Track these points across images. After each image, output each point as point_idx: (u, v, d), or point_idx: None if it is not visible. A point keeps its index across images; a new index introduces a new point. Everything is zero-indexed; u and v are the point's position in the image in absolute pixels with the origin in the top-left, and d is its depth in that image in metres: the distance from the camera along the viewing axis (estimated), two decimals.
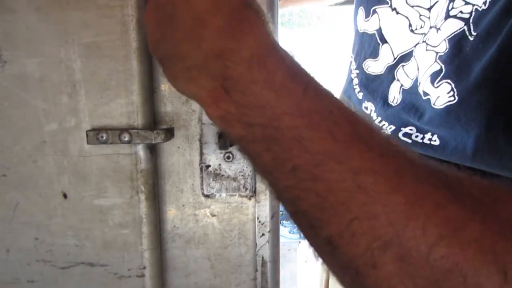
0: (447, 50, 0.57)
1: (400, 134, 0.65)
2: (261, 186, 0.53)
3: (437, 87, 0.57)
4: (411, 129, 0.63)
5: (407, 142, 0.63)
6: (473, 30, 0.53)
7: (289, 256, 1.88)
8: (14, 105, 0.52)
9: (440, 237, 0.23)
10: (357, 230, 0.25)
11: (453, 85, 0.55)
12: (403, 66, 0.66)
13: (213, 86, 0.30)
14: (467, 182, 0.27)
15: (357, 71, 0.77)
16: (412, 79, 0.64)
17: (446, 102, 0.56)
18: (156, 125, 0.53)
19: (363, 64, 0.75)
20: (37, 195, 0.54)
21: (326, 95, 0.29)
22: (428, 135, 0.59)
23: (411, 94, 0.63)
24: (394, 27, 0.67)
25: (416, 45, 0.64)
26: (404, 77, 0.66)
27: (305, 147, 0.27)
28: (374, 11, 0.71)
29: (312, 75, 0.30)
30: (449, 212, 0.24)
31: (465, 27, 0.54)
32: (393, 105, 0.67)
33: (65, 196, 0.54)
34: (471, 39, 0.53)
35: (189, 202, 0.55)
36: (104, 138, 0.50)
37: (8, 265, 0.56)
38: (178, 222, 0.55)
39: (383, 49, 0.70)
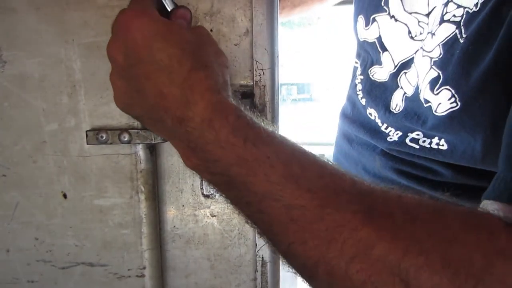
0: (441, 56, 0.56)
1: (407, 140, 0.64)
2: None
3: (437, 94, 0.57)
4: (417, 134, 0.62)
5: (414, 147, 0.63)
6: (464, 33, 0.53)
7: None
8: (14, 105, 0.52)
9: (354, 255, 0.30)
10: (295, 252, 0.33)
11: (453, 91, 0.54)
12: (405, 73, 0.66)
13: (183, 146, 0.38)
14: (393, 203, 0.33)
15: (362, 77, 0.77)
16: (414, 87, 0.63)
17: (449, 109, 0.55)
18: None
19: (368, 70, 0.75)
20: (37, 195, 0.54)
21: (266, 142, 0.35)
22: (436, 140, 0.59)
23: (413, 101, 0.62)
24: (393, 34, 0.67)
25: (416, 51, 0.63)
26: (407, 85, 0.65)
27: (249, 189, 0.34)
28: (374, 20, 0.71)
29: (255, 125, 0.36)
30: (362, 235, 0.30)
31: (457, 31, 0.54)
32: (395, 112, 0.66)
33: (65, 196, 0.54)
34: (461, 41, 0.53)
35: (189, 202, 0.54)
36: (104, 138, 0.50)
37: (8, 265, 0.56)
38: (178, 222, 0.55)
39: (384, 57, 0.70)
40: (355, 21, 0.77)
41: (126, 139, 0.50)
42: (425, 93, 0.59)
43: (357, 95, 0.77)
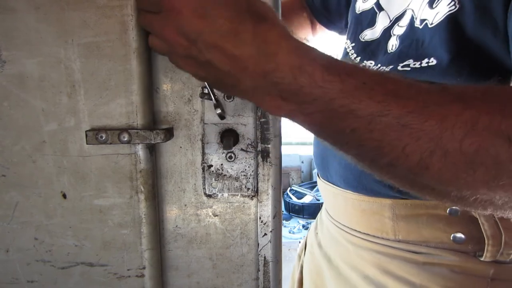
0: None
1: (399, 67, 0.67)
2: (263, 186, 0.53)
3: (436, 6, 0.62)
4: (408, 61, 0.67)
5: (406, 70, 0.66)
6: None
7: (289, 256, 1.88)
8: (14, 105, 0.52)
9: (464, 134, 0.36)
10: (409, 152, 0.38)
11: None
12: (398, 24, 0.71)
13: (271, 98, 0.39)
14: (469, 89, 0.40)
15: (353, 44, 0.82)
16: (406, 25, 0.68)
17: (446, 13, 0.59)
18: (158, 125, 0.53)
19: (359, 36, 0.80)
20: (37, 195, 0.54)
21: (355, 71, 0.38)
22: (426, 60, 0.63)
23: (408, 33, 0.67)
24: None
25: (410, 2, 0.68)
26: (399, 29, 0.70)
27: (356, 115, 0.37)
28: None
29: (337, 60, 0.39)
30: (465, 117, 0.36)
31: None
32: (391, 52, 0.71)
33: (64, 196, 0.54)
34: None
35: (191, 202, 0.55)
36: (103, 138, 0.50)
37: (8, 265, 0.56)
38: (180, 222, 0.55)
39: (380, 16, 0.75)
40: (354, 2, 0.83)
41: (125, 139, 0.50)
42: (422, 14, 0.63)
43: (350, 57, 0.80)
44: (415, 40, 0.65)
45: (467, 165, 0.37)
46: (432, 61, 0.61)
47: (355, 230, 0.75)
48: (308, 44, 0.39)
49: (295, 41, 0.38)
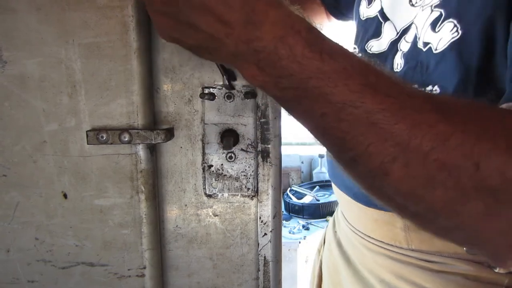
0: None
1: None
2: (263, 186, 0.53)
3: (439, 30, 0.58)
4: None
5: None
6: None
7: (289, 256, 1.88)
8: (14, 105, 0.52)
9: (432, 147, 0.34)
10: (372, 152, 0.36)
11: (455, 21, 0.54)
12: (405, 38, 0.67)
13: (248, 65, 0.38)
14: (454, 102, 0.38)
15: (360, 55, 0.78)
16: (411, 41, 0.64)
17: (450, 40, 0.56)
18: (158, 125, 0.53)
19: (365, 46, 0.76)
20: (37, 195, 0.54)
21: (339, 54, 0.37)
22: (430, 87, 0.61)
23: (412, 53, 0.64)
24: (395, 4, 0.70)
25: (416, 16, 0.65)
26: (405, 45, 0.66)
27: (329, 100, 0.36)
28: None
29: (325, 37, 0.37)
30: (438, 129, 0.34)
31: None
32: (398, 71, 0.67)
33: (65, 196, 0.54)
34: None
35: (192, 202, 0.55)
36: (104, 138, 0.50)
37: (8, 265, 0.56)
38: (180, 222, 0.55)
39: (386, 27, 0.72)
40: (358, 4, 0.80)
41: (126, 139, 0.50)
42: (425, 37, 0.60)
43: None
44: (420, 62, 0.62)
45: (427, 181, 0.35)
46: (436, 89, 0.59)
47: (370, 237, 0.74)
48: (300, 15, 0.38)
49: (284, 10, 0.37)
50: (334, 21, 1.02)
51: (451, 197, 0.35)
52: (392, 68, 0.69)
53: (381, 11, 0.73)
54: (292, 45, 0.36)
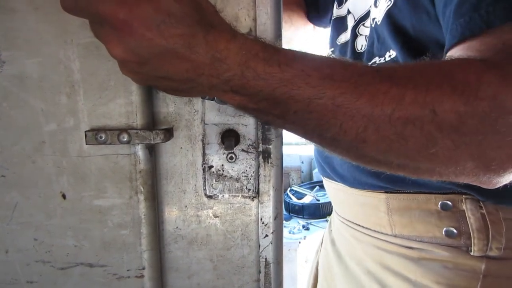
0: None
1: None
2: (264, 187, 0.53)
3: (378, 4, 0.69)
4: (374, 60, 0.73)
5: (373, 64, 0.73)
6: None
7: (289, 256, 1.88)
8: (13, 105, 0.52)
9: (393, 109, 0.41)
10: (346, 129, 0.42)
11: None
12: (363, 24, 0.78)
13: (224, 93, 0.43)
14: (398, 68, 0.46)
15: (332, 49, 0.90)
16: (369, 25, 0.74)
17: (385, 9, 0.66)
18: (158, 125, 0.53)
19: (336, 41, 0.87)
20: (36, 195, 0.54)
21: (294, 60, 0.42)
22: (387, 54, 0.69)
23: (370, 33, 0.74)
24: (357, 1, 0.82)
25: (371, 5, 0.75)
26: (364, 30, 0.77)
27: (296, 100, 0.42)
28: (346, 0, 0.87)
29: (279, 49, 0.43)
30: (392, 94, 0.41)
31: None
32: (362, 51, 0.77)
33: (64, 196, 0.54)
34: None
35: (192, 203, 0.54)
36: (103, 138, 0.50)
37: (7, 266, 0.56)
38: (180, 223, 0.55)
39: (349, 19, 0.84)
40: (331, 8, 0.93)
41: (125, 139, 0.49)
42: (372, 13, 0.70)
43: None
44: (375, 38, 0.71)
45: (398, 137, 0.42)
46: (392, 54, 0.67)
47: (358, 225, 0.79)
48: (252, 38, 0.43)
49: (240, 40, 0.41)
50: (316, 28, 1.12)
51: (422, 143, 0.42)
52: (355, 50, 0.80)
53: (347, 10, 0.85)
54: (254, 66, 0.41)
